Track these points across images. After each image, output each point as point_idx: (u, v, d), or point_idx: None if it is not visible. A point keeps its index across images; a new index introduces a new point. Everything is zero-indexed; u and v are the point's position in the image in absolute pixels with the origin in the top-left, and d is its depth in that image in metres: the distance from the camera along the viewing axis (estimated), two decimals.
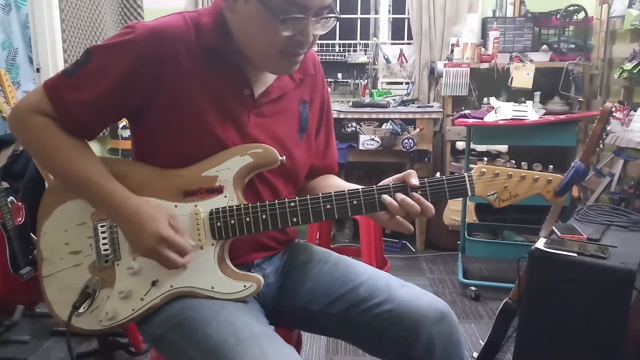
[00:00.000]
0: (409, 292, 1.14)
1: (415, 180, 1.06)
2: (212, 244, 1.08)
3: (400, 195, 1.06)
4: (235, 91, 1.10)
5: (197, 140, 1.07)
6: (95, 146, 3.61)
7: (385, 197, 1.06)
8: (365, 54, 3.91)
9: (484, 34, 3.55)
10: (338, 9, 4.05)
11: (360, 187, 1.10)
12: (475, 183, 1.08)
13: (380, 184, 1.09)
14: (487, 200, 1.09)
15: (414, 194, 1.06)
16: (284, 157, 1.09)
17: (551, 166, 1.11)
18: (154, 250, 1.02)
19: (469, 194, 1.08)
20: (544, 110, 3.10)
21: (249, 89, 1.11)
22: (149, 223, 1.01)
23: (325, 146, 1.31)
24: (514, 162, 1.12)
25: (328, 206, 1.07)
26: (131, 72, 1.01)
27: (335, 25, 1.08)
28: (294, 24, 0.98)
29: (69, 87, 1.03)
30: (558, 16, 3.39)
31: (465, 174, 1.08)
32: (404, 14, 3.94)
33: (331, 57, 3.93)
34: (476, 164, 1.13)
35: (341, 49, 4.01)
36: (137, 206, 1.03)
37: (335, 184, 1.28)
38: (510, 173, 1.08)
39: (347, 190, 1.07)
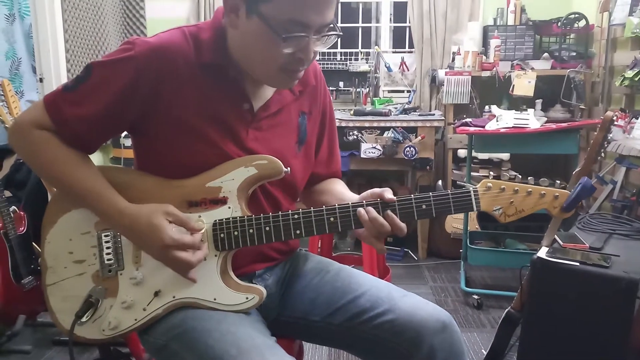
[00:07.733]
0: (411, 302, 1.14)
1: (389, 195, 1.06)
2: (215, 255, 1.08)
3: (372, 213, 1.05)
4: (234, 106, 1.10)
5: (197, 154, 1.07)
6: (97, 155, 3.61)
7: (360, 210, 1.05)
8: (367, 63, 3.92)
9: (485, 42, 3.56)
10: (339, 18, 4.07)
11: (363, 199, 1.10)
12: (481, 198, 1.06)
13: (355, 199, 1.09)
14: (493, 215, 1.07)
15: (388, 212, 1.05)
16: (289, 168, 1.09)
17: (558, 181, 1.10)
18: (162, 258, 1.02)
19: (475, 209, 1.06)
20: (546, 118, 3.10)
21: (248, 104, 1.11)
22: (150, 232, 1.00)
23: (329, 154, 1.32)
24: (520, 175, 1.11)
25: (332, 219, 1.06)
26: (130, 88, 1.02)
27: None
28: (295, 42, 0.99)
29: (69, 103, 1.03)
30: (559, 24, 3.40)
31: (471, 188, 1.06)
32: (405, 22, 3.95)
33: (333, 66, 3.94)
34: (478, 172, 1.13)
35: (343, 57, 4.03)
36: (135, 214, 1.02)
37: (337, 188, 1.28)
38: (516, 188, 1.06)
39: (351, 203, 1.07)
